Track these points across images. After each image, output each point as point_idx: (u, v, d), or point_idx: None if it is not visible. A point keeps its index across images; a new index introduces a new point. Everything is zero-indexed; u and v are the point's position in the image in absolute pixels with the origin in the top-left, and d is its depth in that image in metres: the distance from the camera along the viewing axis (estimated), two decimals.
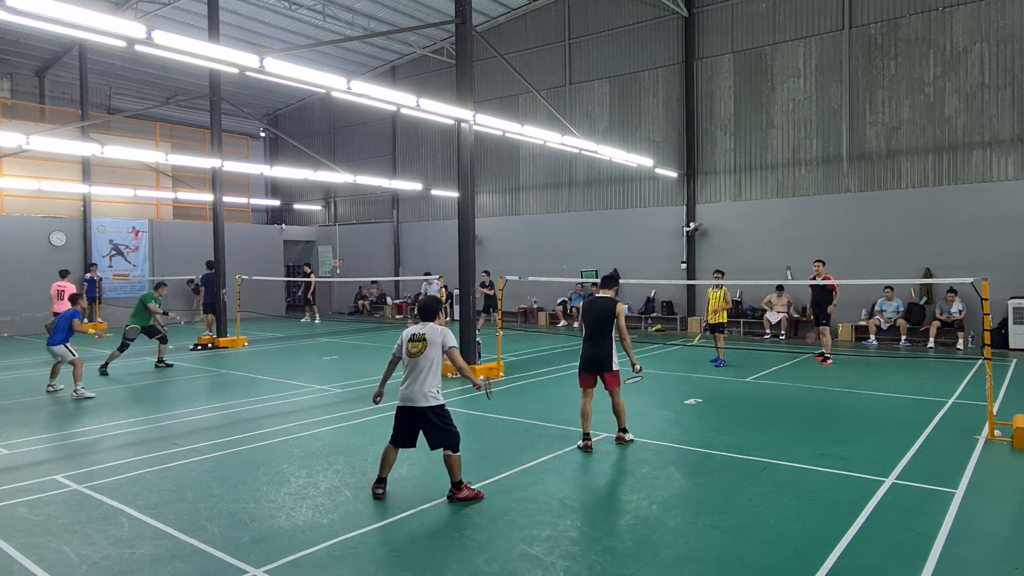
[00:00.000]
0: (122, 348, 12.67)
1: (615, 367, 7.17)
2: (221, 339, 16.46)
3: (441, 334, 5.76)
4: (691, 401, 9.52)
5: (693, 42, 18.83)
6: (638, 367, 7.25)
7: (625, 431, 7.38)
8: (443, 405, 5.67)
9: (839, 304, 12.69)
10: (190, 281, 21.67)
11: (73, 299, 11.34)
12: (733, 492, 5.77)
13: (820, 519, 5.14)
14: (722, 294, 12.65)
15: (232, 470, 6.57)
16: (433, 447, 5.65)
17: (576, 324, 20.40)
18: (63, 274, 17.32)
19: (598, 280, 7.62)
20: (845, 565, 4.36)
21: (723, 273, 13.86)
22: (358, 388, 10.87)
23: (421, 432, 5.67)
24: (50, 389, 10.68)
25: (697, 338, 14.60)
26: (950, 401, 9.26)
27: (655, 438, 7.57)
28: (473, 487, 5.71)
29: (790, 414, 8.89)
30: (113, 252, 22.31)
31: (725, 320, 12.86)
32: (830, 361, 12.72)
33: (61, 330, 10.62)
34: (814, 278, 12.94)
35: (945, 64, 15.49)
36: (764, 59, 17.84)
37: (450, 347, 5.74)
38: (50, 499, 5.79)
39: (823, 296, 12.97)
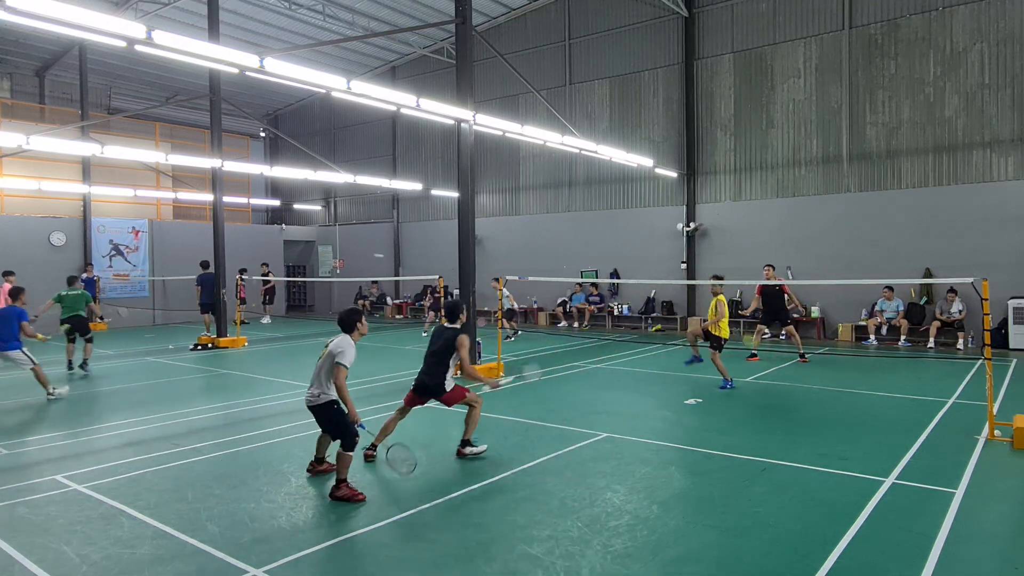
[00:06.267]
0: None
1: (448, 388, 6.84)
2: (221, 339, 16.47)
3: None
4: (691, 401, 9.51)
5: (693, 42, 18.83)
6: (488, 388, 7.20)
7: (468, 443, 6.91)
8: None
9: (835, 303, 12.71)
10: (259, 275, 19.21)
11: (15, 294, 10.46)
12: (733, 492, 5.77)
13: (820, 519, 5.14)
14: (713, 306, 10.76)
15: (232, 470, 6.57)
16: None
17: (578, 325, 20.41)
18: (6, 275, 15.07)
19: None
20: (845, 565, 4.36)
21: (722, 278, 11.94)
22: (358, 388, 10.87)
23: None
24: (51, 394, 10.20)
25: (754, 343, 13.77)
26: (950, 401, 9.26)
27: (655, 438, 7.57)
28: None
29: (790, 414, 8.90)
30: (113, 252, 22.30)
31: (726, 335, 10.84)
32: (806, 359, 12.99)
33: (8, 331, 9.89)
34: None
35: (945, 64, 15.49)
36: (764, 59, 17.84)
37: None
38: (50, 499, 5.78)
39: (778, 298, 13.25)
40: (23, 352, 10.12)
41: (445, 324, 7.16)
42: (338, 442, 5.84)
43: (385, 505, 5.56)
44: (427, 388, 6.86)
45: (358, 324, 5.98)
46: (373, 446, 6.72)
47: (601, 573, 4.30)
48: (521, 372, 7.49)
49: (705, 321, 10.96)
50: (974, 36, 15.14)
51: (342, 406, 5.82)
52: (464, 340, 6.86)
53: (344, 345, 5.79)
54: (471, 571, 4.36)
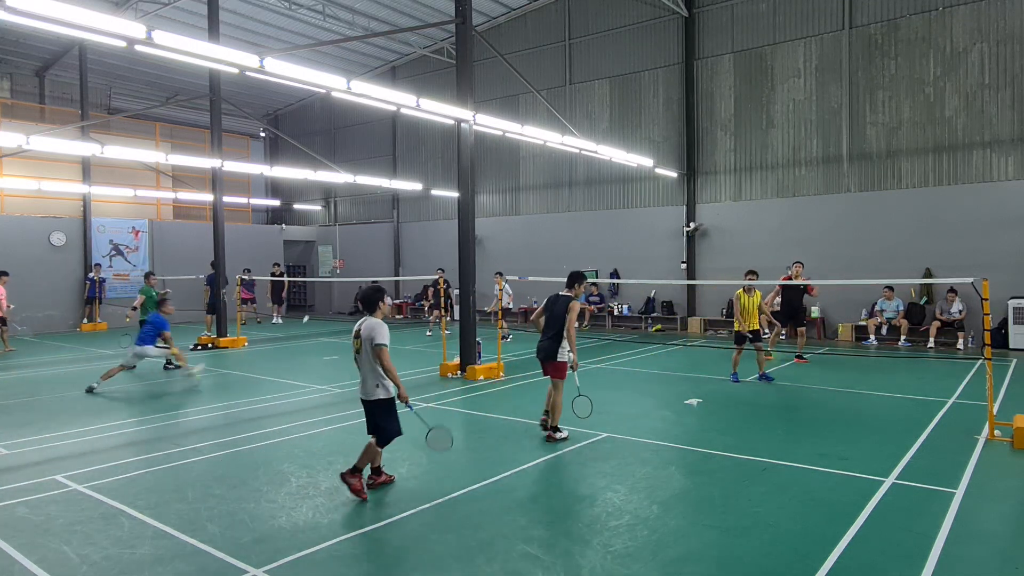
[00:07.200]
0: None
1: (559, 358, 7.55)
2: (221, 339, 16.47)
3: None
4: (691, 401, 9.50)
5: (693, 42, 18.83)
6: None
7: (557, 430, 7.56)
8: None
9: (835, 303, 12.65)
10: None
11: (159, 304, 11.85)
12: (733, 492, 5.77)
13: (820, 519, 5.14)
14: (757, 299, 11.15)
15: (232, 470, 6.57)
16: None
17: (578, 325, 20.38)
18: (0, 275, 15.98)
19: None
20: (845, 565, 4.36)
21: (756, 274, 11.63)
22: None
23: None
24: (95, 387, 10.71)
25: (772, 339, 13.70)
26: (950, 401, 9.26)
27: (655, 438, 7.57)
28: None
29: (790, 414, 8.90)
30: (113, 252, 22.32)
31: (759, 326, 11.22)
32: (806, 359, 13.05)
33: (148, 334, 11.17)
34: (788, 278, 13.13)
35: (945, 64, 15.49)
36: (764, 59, 17.84)
37: None
38: (50, 499, 5.78)
39: (800, 298, 13.20)
40: (155, 346, 11.32)
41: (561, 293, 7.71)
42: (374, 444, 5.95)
43: (385, 505, 5.56)
44: (542, 350, 7.56)
45: (380, 303, 5.95)
46: (547, 420, 7.54)
47: (601, 573, 4.30)
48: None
49: (764, 313, 11.45)
50: (974, 36, 15.14)
51: (391, 406, 5.81)
52: (575, 305, 7.48)
53: (375, 326, 5.75)
54: (471, 571, 4.36)
